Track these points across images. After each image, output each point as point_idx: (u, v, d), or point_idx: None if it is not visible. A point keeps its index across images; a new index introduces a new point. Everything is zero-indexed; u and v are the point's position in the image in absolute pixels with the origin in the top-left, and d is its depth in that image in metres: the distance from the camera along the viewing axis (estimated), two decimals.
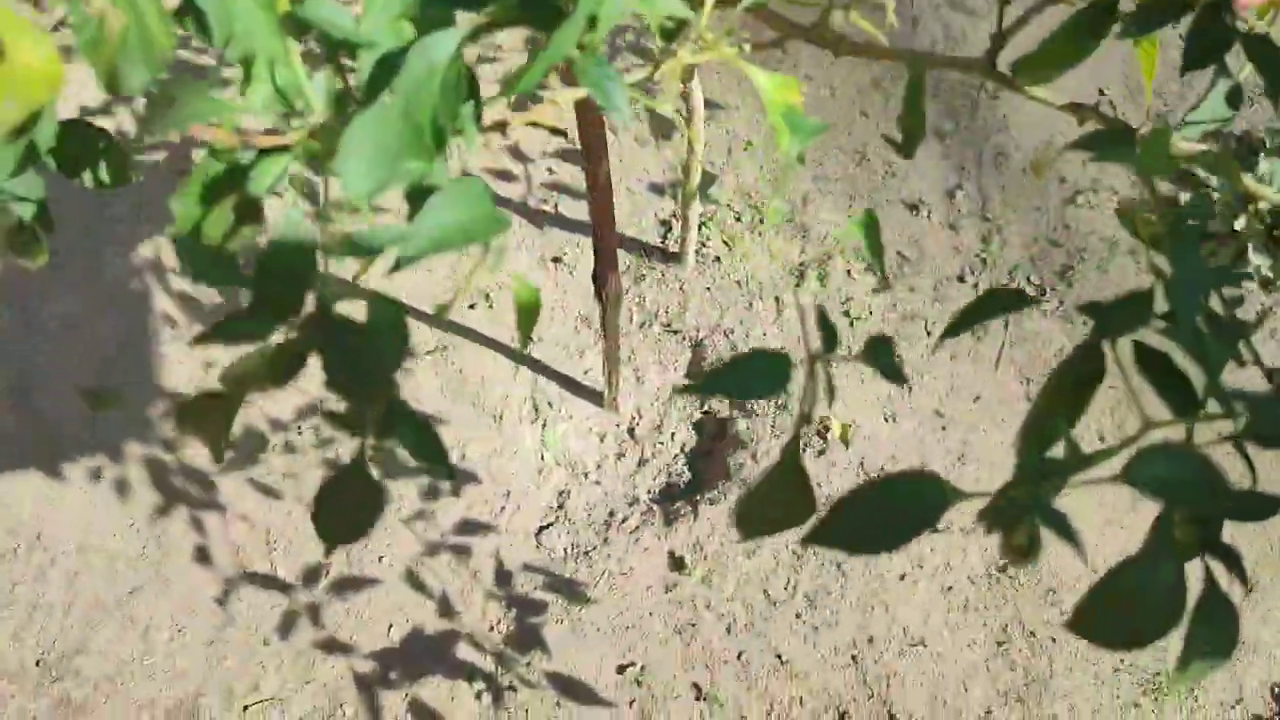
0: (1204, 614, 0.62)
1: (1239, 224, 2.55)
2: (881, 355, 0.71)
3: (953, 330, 0.74)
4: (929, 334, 2.36)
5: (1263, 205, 2.42)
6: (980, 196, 2.55)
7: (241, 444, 2.11)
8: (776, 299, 2.37)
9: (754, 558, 2.08)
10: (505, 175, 2.44)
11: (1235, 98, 0.81)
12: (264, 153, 0.62)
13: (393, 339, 0.55)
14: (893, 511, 0.62)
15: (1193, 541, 0.62)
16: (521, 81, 0.63)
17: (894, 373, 0.71)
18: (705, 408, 2.29)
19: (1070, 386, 0.74)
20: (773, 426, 2.22)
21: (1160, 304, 0.70)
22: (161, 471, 2.07)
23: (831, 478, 2.19)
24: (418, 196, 0.63)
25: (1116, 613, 0.61)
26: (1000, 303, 0.70)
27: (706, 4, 0.74)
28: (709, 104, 2.57)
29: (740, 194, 2.49)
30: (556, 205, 2.43)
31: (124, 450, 2.07)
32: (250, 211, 0.63)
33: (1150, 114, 0.92)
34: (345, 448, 2.12)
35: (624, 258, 2.40)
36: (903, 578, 2.09)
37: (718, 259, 2.41)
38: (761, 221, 2.46)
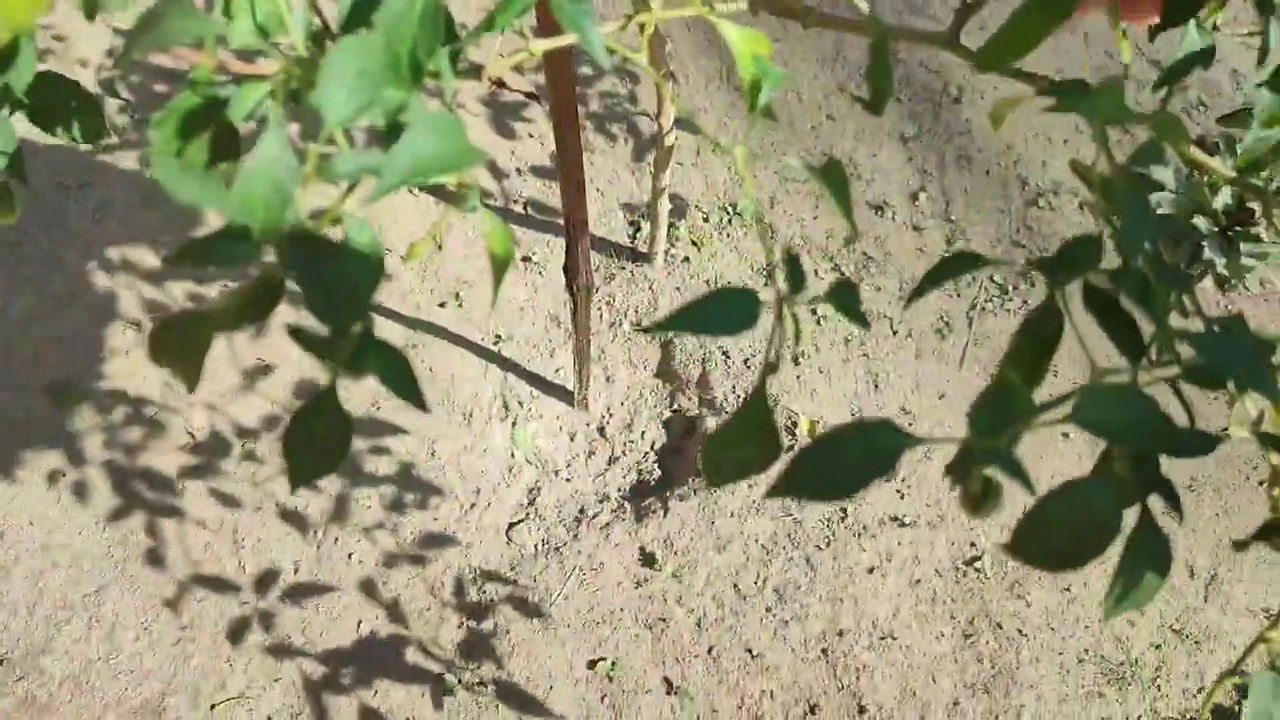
0: (1138, 543, 0.63)
1: (1198, 222, 2.60)
2: (845, 298, 0.72)
3: (920, 291, 0.76)
4: (894, 333, 2.39)
5: (1217, 204, 2.48)
6: (944, 198, 2.58)
7: (206, 449, 2.09)
8: None
9: (724, 553, 2.09)
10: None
11: (1206, 57, 0.83)
12: (243, 84, 0.62)
13: (369, 259, 0.55)
14: (851, 457, 0.63)
15: (1130, 476, 0.63)
16: (501, 17, 0.64)
17: (858, 316, 0.72)
18: (675, 406, 2.31)
19: (1030, 347, 0.76)
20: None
21: (1112, 258, 0.72)
22: (123, 474, 2.05)
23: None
24: (394, 133, 0.63)
25: (1051, 534, 0.62)
26: (965, 263, 0.71)
27: None
28: (676, 121, 2.59)
29: (709, 195, 2.52)
30: (526, 205, 2.45)
31: (86, 451, 2.05)
32: (228, 144, 0.64)
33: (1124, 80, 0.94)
34: None
35: (594, 258, 2.41)
36: (871, 571, 2.11)
37: (686, 259, 2.42)
38: (730, 222, 2.49)
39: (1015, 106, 0.77)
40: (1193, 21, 0.83)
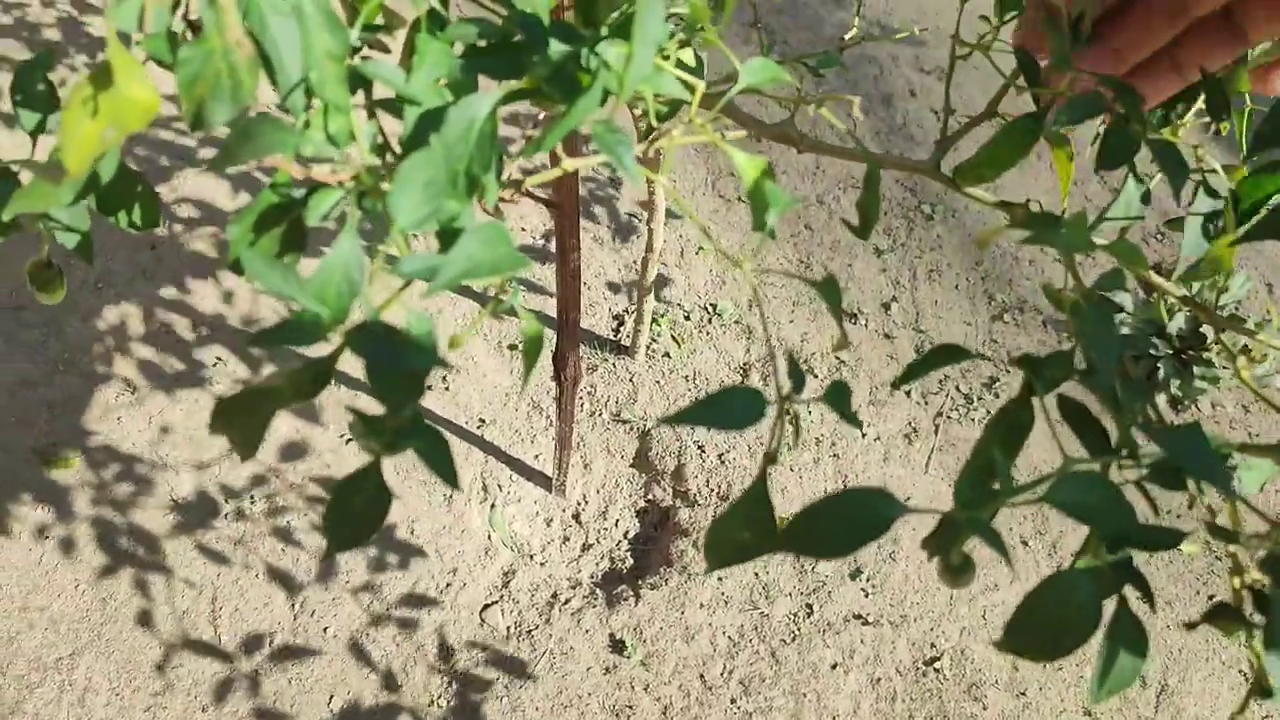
0: (1117, 630, 0.71)
1: (1155, 344, 2.72)
2: (840, 400, 0.81)
3: (905, 379, 0.84)
4: (863, 436, 2.48)
5: (1172, 328, 2.60)
6: (914, 309, 2.70)
7: (192, 508, 2.13)
8: None
9: (692, 643, 2.14)
10: None
11: (1145, 198, 0.94)
12: (316, 189, 0.70)
13: (428, 347, 0.63)
14: (849, 520, 0.70)
15: (1106, 567, 0.71)
16: (545, 141, 0.73)
17: (850, 416, 0.80)
18: (649, 496, 2.37)
19: (1005, 432, 0.84)
20: (713, 516, 2.29)
21: (1079, 364, 0.81)
22: (110, 533, 2.08)
23: (769, 566, 2.26)
24: (447, 237, 0.72)
25: (1039, 627, 0.70)
26: (948, 355, 0.80)
27: (699, 89, 0.85)
28: (666, 214, 2.71)
29: (691, 294, 2.62)
30: (514, 294, 2.53)
31: (73, 510, 2.09)
32: (296, 239, 0.72)
33: (1065, 213, 1.06)
34: (296, 519, 2.15)
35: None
36: (834, 667, 2.16)
37: (667, 354, 2.51)
38: (710, 321, 2.59)
39: (999, 234, 0.86)
40: (1130, 173, 0.94)
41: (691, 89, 0.85)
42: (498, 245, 0.69)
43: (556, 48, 0.75)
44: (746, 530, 0.80)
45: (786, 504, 2.34)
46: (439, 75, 0.70)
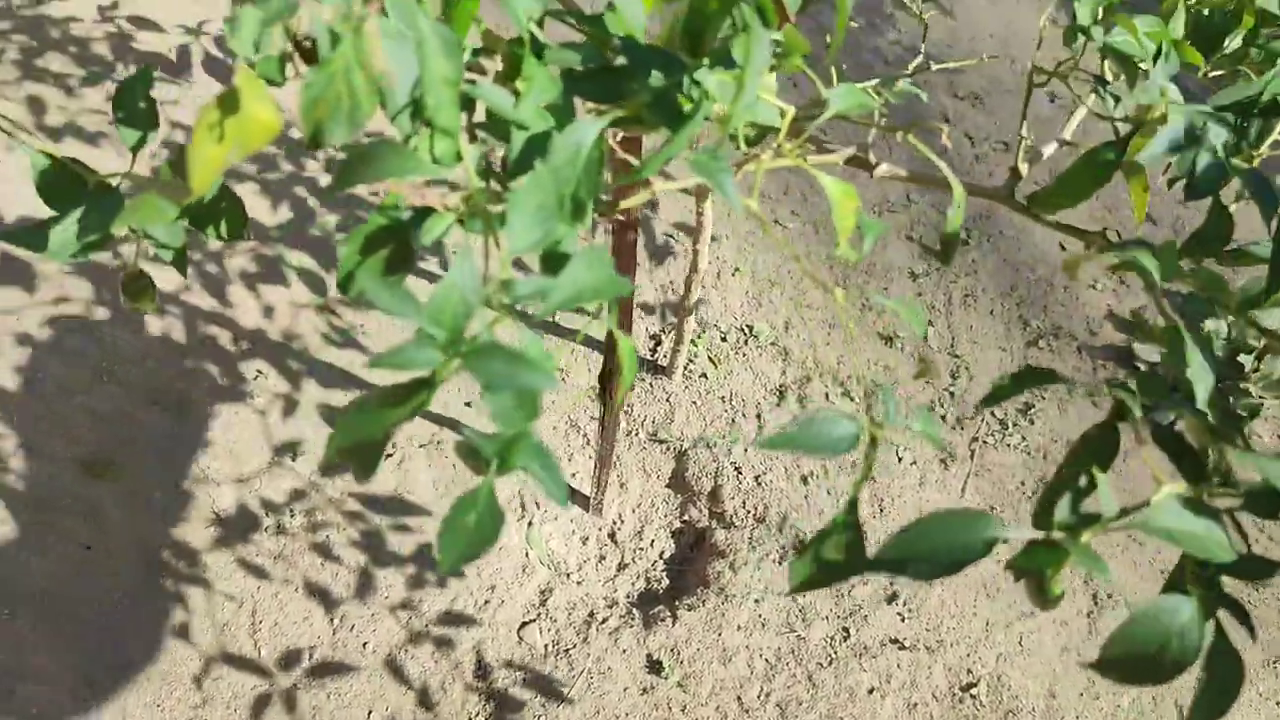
0: (1216, 660, 0.71)
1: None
2: (929, 426, 0.81)
3: (991, 400, 0.85)
4: (899, 460, 2.47)
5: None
6: (950, 334, 2.70)
7: (233, 522, 2.14)
8: (758, 416, 2.48)
9: (729, 665, 2.14)
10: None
11: (1222, 223, 0.94)
12: (421, 211, 0.71)
13: (543, 368, 0.64)
14: (949, 541, 0.71)
15: (1203, 595, 0.71)
16: (649, 167, 0.74)
17: (938, 442, 0.81)
18: (685, 516, 2.37)
19: (1090, 455, 0.85)
20: (749, 538, 2.29)
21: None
22: (152, 545, 2.09)
23: (806, 594, 2.25)
24: (551, 260, 0.73)
25: (1140, 653, 0.69)
26: (1037, 378, 0.80)
27: (788, 116, 0.86)
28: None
29: (727, 315, 2.62)
30: (555, 315, 2.54)
31: (118, 521, 2.10)
32: (402, 260, 0.72)
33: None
34: (335, 534, 2.16)
35: None
36: (871, 692, 2.15)
37: (704, 375, 2.52)
38: (746, 342, 2.59)
39: (1087, 261, 0.87)
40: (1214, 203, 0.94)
41: (783, 114, 0.86)
42: (601, 270, 0.70)
43: (657, 74, 0.76)
44: (838, 552, 0.81)
45: (823, 525, 2.33)
46: (546, 100, 0.71)
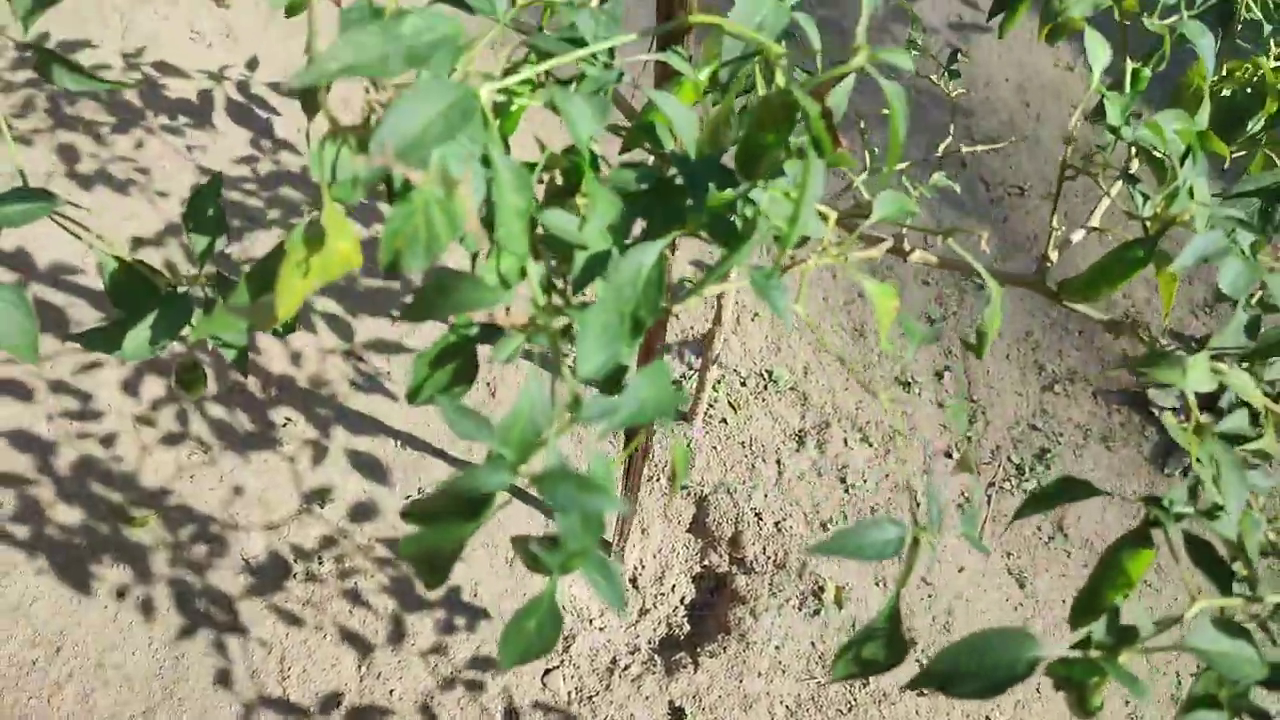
0: None
1: (1204, 418, 2.70)
2: (968, 529, 0.84)
3: (1022, 513, 0.88)
4: (917, 504, 2.50)
5: (1224, 402, 2.60)
6: (966, 379, 2.73)
7: (264, 569, 2.17)
8: (778, 461, 2.51)
9: (750, 711, 2.16)
10: None
11: (1254, 328, 0.97)
12: (487, 328, 0.75)
13: (607, 490, 0.67)
14: (992, 662, 0.73)
15: (1230, 700, 0.74)
16: (707, 280, 0.77)
17: (978, 544, 0.84)
18: (705, 562, 2.40)
19: (1120, 565, 0.88)
20: (770, 584, 2.32)
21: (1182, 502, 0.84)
22: (185, 592, 2.12)
23: (825, 637, 2.28)
24: (610, 374, 0.76)
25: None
26: (1073, 491, 0.84)
27: (830, 221, 0.89)
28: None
29: (747, 360, 2.66)
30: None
31: (151, 569, 2.13)
32: (467, 372, 0.76)
33: (1166, 332, 1.10)
34: (365, 581, 2.19)
35: None
36: None
37: (724, 420, 2.55)
38: (765, 388, 2.62)
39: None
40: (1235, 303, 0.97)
41: (825, 218, 0.90)
42: (661, 384, 0.73)
43: (713, 191, 0.79)
44: (879, 650, 0.83)
45: (843, 573, 2.36)
46: (608, 222, 0.75)
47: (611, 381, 0.76)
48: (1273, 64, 1.23)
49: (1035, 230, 3.00)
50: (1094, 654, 0.75)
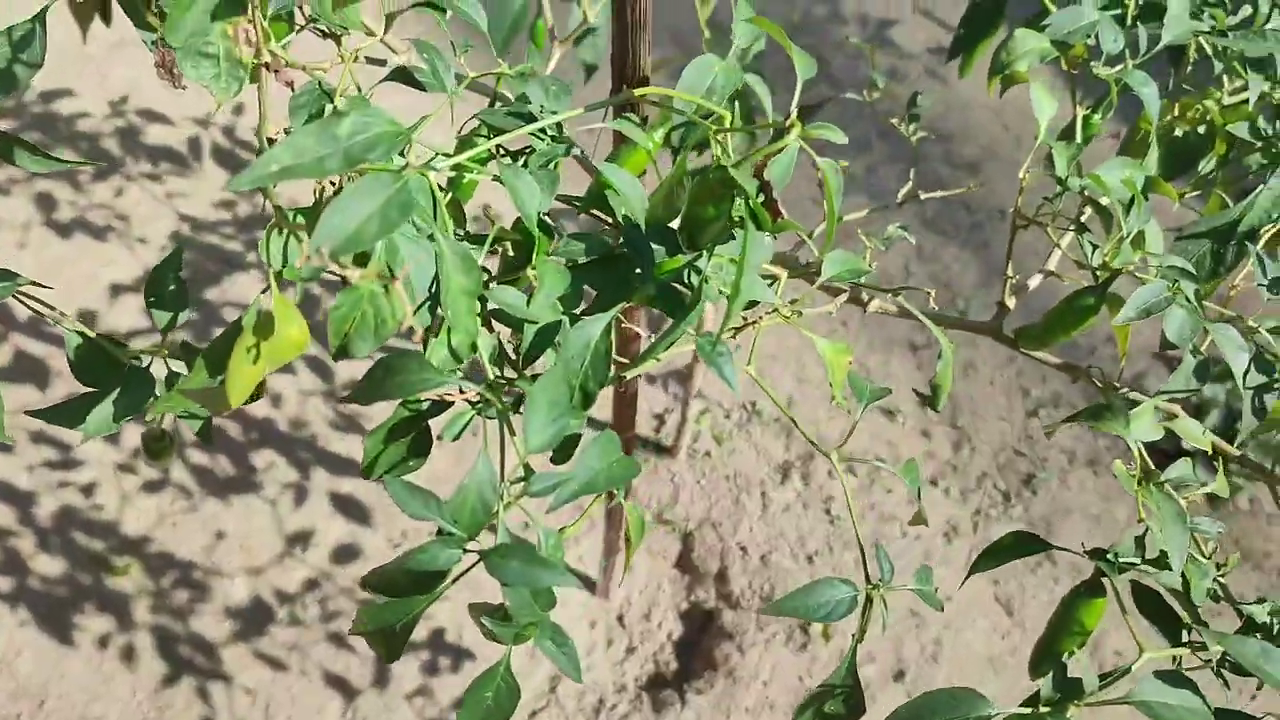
0: None
1: (1186, 444, 2.72)
2: (922, 583, 0.85)
3: (978, 568, 0.89)
4: (903, 535, 2.51)
5: (1207, 423, 2.62)
6: (951, 405, 2.74)
7: (248, 614, 2.17)
8: (763, 494, 2.52)
9: None
10: None
11: (1203, 372, 0.98)
12: (438, 403, 0.76)
13: (556, 565, 0.68)
14: (941, 717, 0.74)
15: None
16: (653, 351, 0.78)
17: (932, 601, 0.85)
18: (692, 598, 2.40)
19: (1074, 615, 0.89)
20: (757, 619, 2.32)
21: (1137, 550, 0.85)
22: (168, 640, 2.12)
23: (814, 671, 2.28)
24: (562, 445, 0.77)
25: None
26: (1029, 546, 0.85)
27: (780, 283, 0.90)
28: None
29: (729, 393, 2.67)
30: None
31: (134, 617, 2.13)
32: (421, 447, 0.77)
33: (1121, 376, 1.12)
34: (349, 624, 2.19)
35: None
36: None
37: (708, 454, 2.56)
38: (749, 420, 2.63)
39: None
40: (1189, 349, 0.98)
41: (775, 279, 0.91)
42: (612, 455, 0.74)
43: (659, 258, 0.80)
44: (839, 705, 0.84)
45: None
46: (557, 295, 0.76)
47: (565, 452, 0.77)
48: (1227, 101, 1.25)
49: (1018, 255, 3.01)
50: (1042, 710, 0.76)
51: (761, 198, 0.73)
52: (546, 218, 0.83)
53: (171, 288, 0.88)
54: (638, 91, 0.82)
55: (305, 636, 2.16)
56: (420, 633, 2.20)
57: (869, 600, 0.87)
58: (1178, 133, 1.28)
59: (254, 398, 1.03)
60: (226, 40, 0.62)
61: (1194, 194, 1.26)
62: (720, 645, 2.30)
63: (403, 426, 0.75)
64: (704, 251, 0.79)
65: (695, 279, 0.79)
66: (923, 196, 1.26)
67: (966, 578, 1.06)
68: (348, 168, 0.58)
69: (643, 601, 2.38)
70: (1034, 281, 1.17)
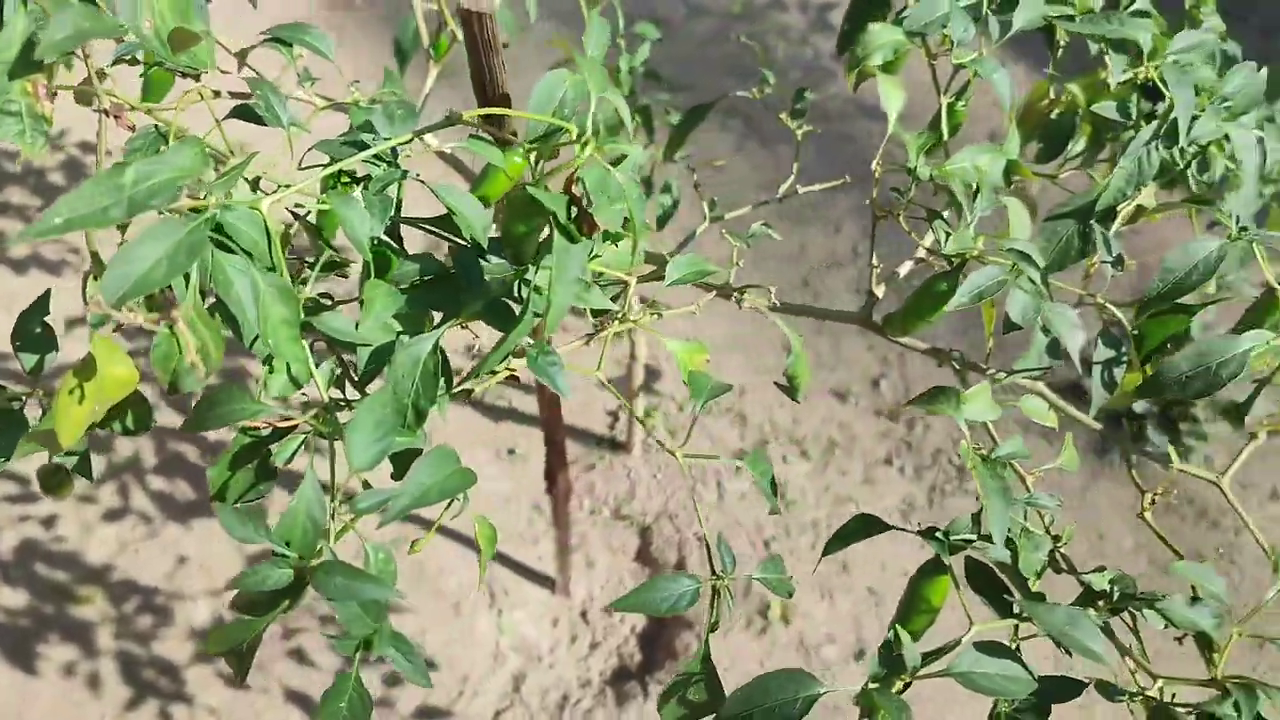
0: None
1: (1138, 406, 2.78)
2: (769, 571, 0.88)
3: (829, 550, 0.92)
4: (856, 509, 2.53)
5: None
6: (903, 385, 2.77)
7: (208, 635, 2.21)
8: (718, 484, 2.55)
9: None
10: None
11: (1054, 350, 1.01)
12: (279, 429, 0.79)
13: (384, 581, 0.71)
14: (777, 699, 0.78)
15: (1007, 716, 0.78)
16: (485, 365, 0.81)
17: (779, 589, 0.88)
18: None
19: (920, 594, 0.92)
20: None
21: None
22: (133, 665, 2.15)
23: (773, 654, 2.32)
24: (401, 460, 0.80)
25: None
26: (868, 527, 0.88)
27: (630, 289, 0.93)
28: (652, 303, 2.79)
29: (683, 385, 2.70)
30: (510, 400, 2.62)
31: (98, 644, 2.16)
32: (267, 474, 0.80)
33: (989, 359, 1.15)
34: (308, 639, 2.23)
35: (575, 448, 2.58)
36: None
37: (661, 445, 2.58)
38: (704, 411, 2.66)
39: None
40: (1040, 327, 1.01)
41: (626, 284, 0.94)
42: (446, 468, 0.77)
43: (493, 274, 0.83)
44: (701, 692, 0.87)
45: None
46: (387, 317, 0.79)
47: (403, 468, 0.80)
48: (1115, 81, 1.27)
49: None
50: (870, 686, 0.79)
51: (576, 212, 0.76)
52: (389, 239, 0.86)
53: (38, 331, 0.91)
54: (466, 114, 0.85)
55: (266, 653, 2.19)
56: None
57: (716, 592, 0.90)
58: (1053, 115, 1.31)
59: (143, 428, 1.06)
60: (27, 97, 0.65)
61: (1069, 173, 1.29)
62: (681, 635, 2.33)
63: (245, 454, 0.78)
64: (531, 266, 0.81)
65: (525, 291, 0.82)
66: (800, 190, 1.28)
67: (818, 562, 1.09)
68: (131, 215, 0.61)
69: (605, 597, 2.41)
70: (904, 269, 1.20)
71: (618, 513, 2.50)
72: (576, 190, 0.75)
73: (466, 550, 2.38)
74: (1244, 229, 0.97)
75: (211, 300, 0.76)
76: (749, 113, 3.30)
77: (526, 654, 2.30)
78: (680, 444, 0.96)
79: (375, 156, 0.89)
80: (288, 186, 0.80)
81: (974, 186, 1.00)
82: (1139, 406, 2.71)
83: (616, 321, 0.93)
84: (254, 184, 0.88)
